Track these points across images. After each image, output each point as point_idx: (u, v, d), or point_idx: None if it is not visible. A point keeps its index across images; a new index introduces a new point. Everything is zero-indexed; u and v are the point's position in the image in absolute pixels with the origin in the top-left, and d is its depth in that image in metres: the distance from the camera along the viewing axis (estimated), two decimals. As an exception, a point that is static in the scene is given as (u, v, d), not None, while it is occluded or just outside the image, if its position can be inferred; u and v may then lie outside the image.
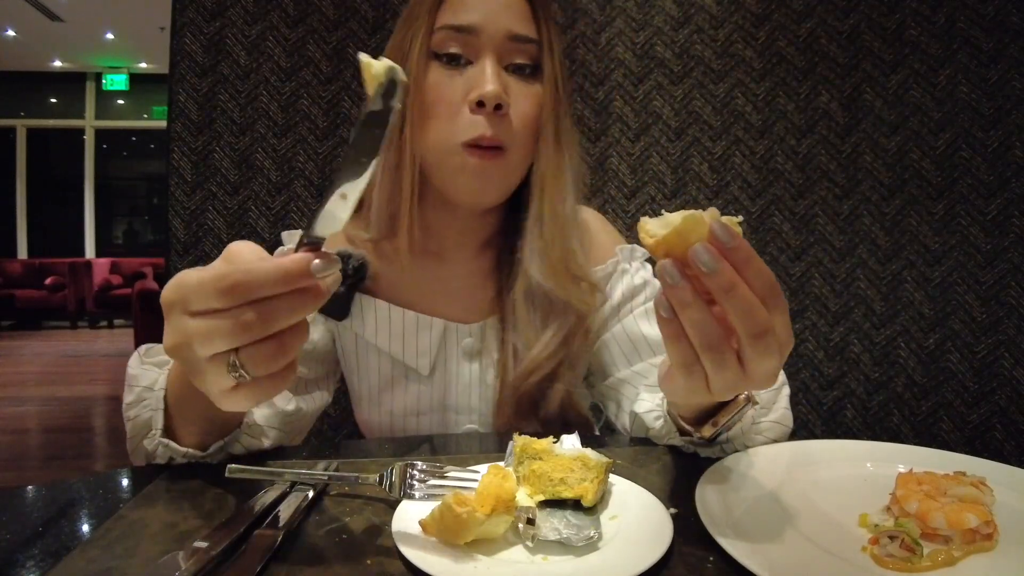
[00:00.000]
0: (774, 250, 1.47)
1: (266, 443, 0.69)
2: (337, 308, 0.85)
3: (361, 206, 0.82)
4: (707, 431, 0.63)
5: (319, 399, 0.88)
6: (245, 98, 1.38)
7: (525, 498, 0.51)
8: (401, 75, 0.42)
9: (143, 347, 0.69)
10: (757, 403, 0.63)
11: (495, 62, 0.76)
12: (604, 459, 0.55)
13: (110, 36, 7.66)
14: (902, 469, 0.57)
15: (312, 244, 0.44)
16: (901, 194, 1.46)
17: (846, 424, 1.48)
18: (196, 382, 0.48)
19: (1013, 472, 0.59)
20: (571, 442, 0.61)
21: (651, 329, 0.85)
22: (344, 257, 0.79)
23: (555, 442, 0.57)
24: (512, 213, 0.87)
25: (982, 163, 1.45)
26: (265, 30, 1.38)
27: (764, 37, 1.46)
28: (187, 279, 0.44)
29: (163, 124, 1.42)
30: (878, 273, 1.47)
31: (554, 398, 0.82)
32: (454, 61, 0.77)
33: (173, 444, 0.61)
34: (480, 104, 0.75)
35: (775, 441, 0.67)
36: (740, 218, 0.45)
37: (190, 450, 0.61)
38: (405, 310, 0.86)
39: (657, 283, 0.85)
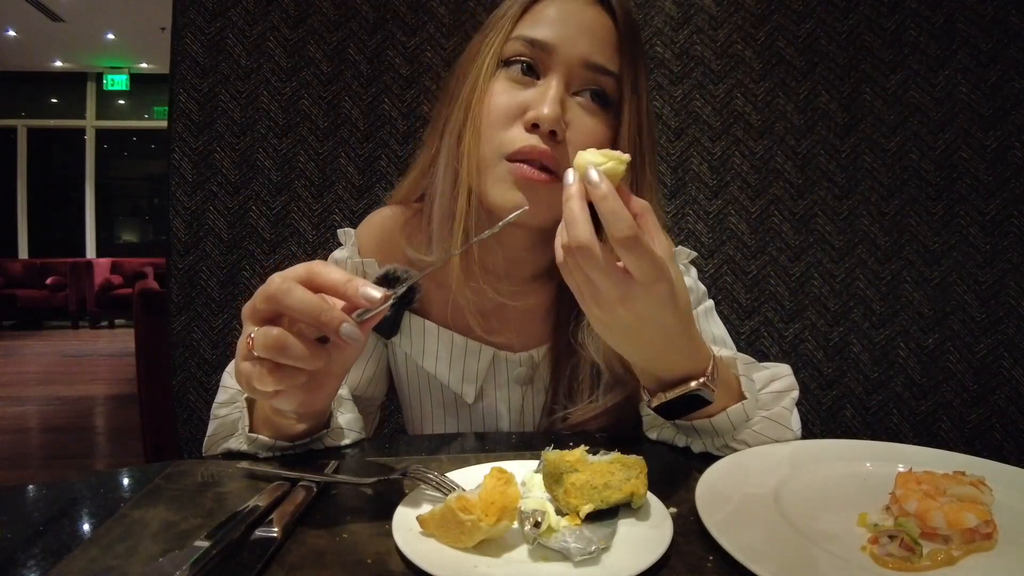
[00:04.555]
0: (773, 250, 1.48)
1: (346, 441, 0.72)
2: (385, 326, 0.83)
3: (425, 225, 0.81)
4: (655, 401, 0.65)
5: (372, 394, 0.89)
6: (246, 98, 1.38)
7: (531, 502, 0.50)
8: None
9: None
10: (709, 386, 0.62)
11: (561, 85, 0.72)
12: (637, 458, 0.54)
13: (111, 36, 7.66)
14: (901, 469, 0.57)
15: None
16: (900, 194, 1.47)
17: (845, 423, 1.48)
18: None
19: (1012, 472, 0.59)
20: None
21: None
22: (391, 278, 0.76)
23: (588, 450, 0.55)
24: None
25: (981, 163, 1.45)
26: (266, 30, 1.38)
27: (764, 38, 1.46)
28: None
29: (164, 124, 1.43)
30: (877, 273, 1.47)
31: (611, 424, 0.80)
32: (523, 71, 0.73)
33: (262, 438, 0.65)
34: (535, 126, 0.70)
35: (775, 442, 0.67)
36: (624, 156, 0.55)
37: (278, 441, 0.65)
38: (455, 334, 0.83)
39: (699, 288, 0.88)
